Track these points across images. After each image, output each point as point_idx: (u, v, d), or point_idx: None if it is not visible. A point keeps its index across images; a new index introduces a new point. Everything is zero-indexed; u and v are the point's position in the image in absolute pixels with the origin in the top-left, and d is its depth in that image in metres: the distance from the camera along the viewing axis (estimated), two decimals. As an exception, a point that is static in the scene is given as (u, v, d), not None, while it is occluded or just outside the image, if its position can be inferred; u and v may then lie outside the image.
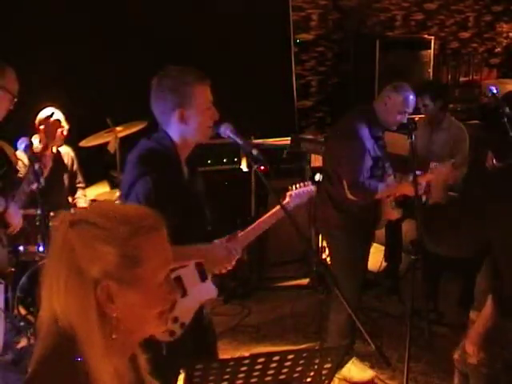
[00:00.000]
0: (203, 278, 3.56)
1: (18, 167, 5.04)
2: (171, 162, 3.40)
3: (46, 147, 5.54)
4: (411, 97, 5.11)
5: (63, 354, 1.71)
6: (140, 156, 3.39)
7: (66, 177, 6.32)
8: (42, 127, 5.91)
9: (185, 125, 3.36)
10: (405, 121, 5.00)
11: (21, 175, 5.03)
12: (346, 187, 5.06)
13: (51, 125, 5.93)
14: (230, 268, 3.64)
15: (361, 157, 4.97)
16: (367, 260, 5.58)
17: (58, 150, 6.23)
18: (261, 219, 3.89)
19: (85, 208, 1.85)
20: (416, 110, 5.39)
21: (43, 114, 5.97)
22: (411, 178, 5.01)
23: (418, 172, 4.97)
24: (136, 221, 1.78)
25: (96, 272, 1.71)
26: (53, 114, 5.86)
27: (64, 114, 6.03)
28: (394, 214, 5.36)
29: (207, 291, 3.60)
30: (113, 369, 1.76)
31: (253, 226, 3.85)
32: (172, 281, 1.90)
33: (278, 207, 3.71)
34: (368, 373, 5.31)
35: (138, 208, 1.92)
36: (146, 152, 3.40)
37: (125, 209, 1.90)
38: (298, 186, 4.15)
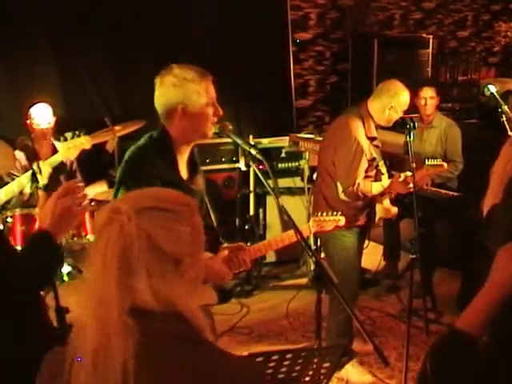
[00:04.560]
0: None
1: (15, 167, 5.05)
2: (167, 161, 3.41)
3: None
4: (407, 93, 5.15)
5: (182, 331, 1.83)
6: (137, 152, 3.42)
7: (64, 176, 6.32)
8: (28, 122, 6.02)
9: (187, 121, 3.37)
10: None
11: (17, 175, 5.04)
12: (339, 189, 5.07)
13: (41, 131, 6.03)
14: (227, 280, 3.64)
15: (357, 160, 4.99)
16: (361, 258, 5.59)
17: (56, 150, 6.23)
18: (275, 238, 3.90)
19: (129, 198, 2.00)
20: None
21: (37, 114, 6.04)
22: (402, 177, 5.06)
23: (409, 173, 5.02)
24: (187, 201, 1.98)
25: (175, 252, 1.86)
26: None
27: (62, 113, 6.04)
28: (391, 212, 5.36)
29: (206, 296, 3.58)
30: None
31: (265, 242, 3.86)
32: None
33: (292, 232, 3.68)
34: (366, 377, 5.28)
35: (175, 191, 2.06)
36: (143, 149, 3.43)
37: (170, 192, 2.04)
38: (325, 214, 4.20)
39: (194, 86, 3.33)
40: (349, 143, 4.99)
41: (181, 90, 3.33)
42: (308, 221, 4.25)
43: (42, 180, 3.84)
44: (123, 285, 1.79)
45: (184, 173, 3.53)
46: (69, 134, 5.70)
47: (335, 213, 4.24)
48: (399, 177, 5.13)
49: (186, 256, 1.88)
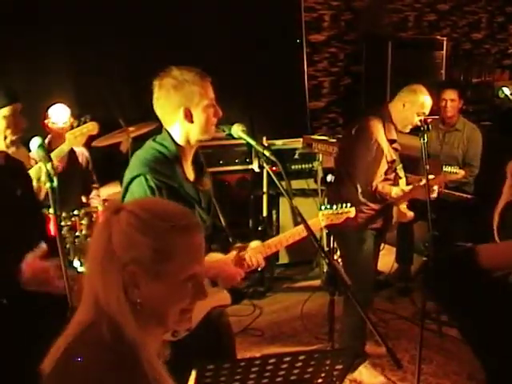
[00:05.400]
0: (214, 283, 3.55)
1: (30, 165, 5.05)
2: (172, 164, 3.39)
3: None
4: (429, 99, 5.13)
5: (103, 328, 1.81)
6: (141, 157, 3.42)
7: (79, 177, 6.33)
8: (45, 121, 6.05)
9: (190, 123, 3.36)
10: (418, 123, 5.02)
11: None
12: (359, 190, 5.07)
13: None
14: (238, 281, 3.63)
15: (377, 161, 4.99)
16: (377, 261, 5.59)
17: (72, 150, 6.25)
18: (285, 235, 3.88)
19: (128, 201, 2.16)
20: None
21: (53, 113, 6.08)
22: (423, 181, 5.04)
23: (430, 176, 4.99)
24: (173, 218, 1.89)
25: (127, 258, 1.83)
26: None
27: (77, 114, 6.06)
28: (407, 216, 5.37)
29: (219, 297, 3.57)
30: (151, 343, 1.92)
31: (275, 239, 3.83)
32: (201, 282, 1.98)
33: (302, 227, 3.67)
34: (379, 379, 5.28)
35: (179, 207, 2.01)
36: (147, 153, 3.42)
37: (167, 205, 2.02)
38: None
39: (196, 87, 3.32)
40: (369, 144, 4.99)
41: (182, 91, 3.32)
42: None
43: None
44: (90, 276, 1.90)
45: (190, 175, 3.52)
46: (75, 122, 5.73)
47: (345, 204, 4.21)
48: (420, 180, 5.12)
49: (134, 265, 1.84)
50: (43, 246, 3.09)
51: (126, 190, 3.37)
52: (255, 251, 3.68)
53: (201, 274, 1.97)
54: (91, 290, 1.89)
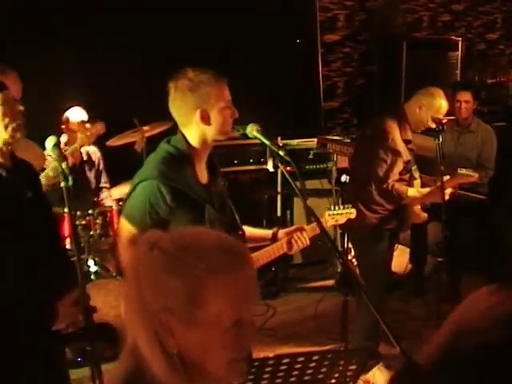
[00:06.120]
0: None
1: (45, 165, 5.08)
2: (182, 166, 3.37)
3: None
4: (446, 103, 5.13)
5: (146, 377, 1.62)
6: (151, 160, 3.41)
7: (92, 176, 6.36)
8: (63, 126, 6.09)
9: (206, 125, 3.33)
10: (433, 125, 5.02)
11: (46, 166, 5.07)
12: (373, 189, 5.07)
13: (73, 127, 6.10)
14: None
15: (394, 160, 4.99)
16: (391, 261, 5.59)
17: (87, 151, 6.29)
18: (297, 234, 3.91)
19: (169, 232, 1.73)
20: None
21: (71, 115, 6.10)
22: (438, 183, 5.03)
23: (445, 177, 4.99)
24: (213, 257, 1.61)
25: (157, 305, 1.59)
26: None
27: (91, 114, 6.09)
28: (421, 217, 5.37)
29: None
30: None
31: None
32: (250, 326, 1.66)
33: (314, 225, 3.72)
34: (393, 382, 5.28)
35: (224, 240, 1.69)
36: (158, 155, 3.40)
37: (208, 239, 1.68)
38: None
39: (212, 89, 3.29)
40: (386, 144, 5.00)
41: (198, 93, 3.28)
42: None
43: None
44: (127, 319, 1.68)
45: (204, 177, 3.49)
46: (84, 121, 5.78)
47: (347, 206, 4.26)
48: (434, 181, 5.13)
49: (166, 312, 1.59)
50: (75, 292, 3.17)
51: (132, 191, 3.35)
52: (303, 232, 3.82)
53: (249, 317, 1.64)
54: (130, 334, 1.68)
